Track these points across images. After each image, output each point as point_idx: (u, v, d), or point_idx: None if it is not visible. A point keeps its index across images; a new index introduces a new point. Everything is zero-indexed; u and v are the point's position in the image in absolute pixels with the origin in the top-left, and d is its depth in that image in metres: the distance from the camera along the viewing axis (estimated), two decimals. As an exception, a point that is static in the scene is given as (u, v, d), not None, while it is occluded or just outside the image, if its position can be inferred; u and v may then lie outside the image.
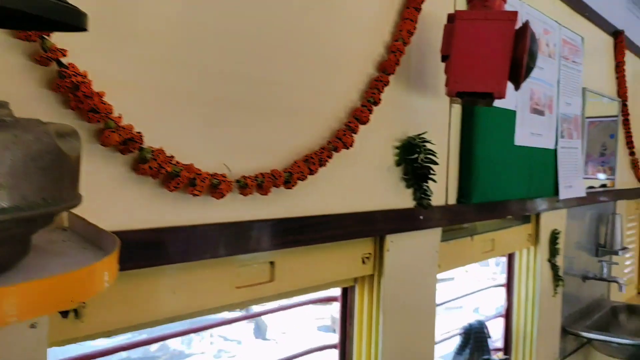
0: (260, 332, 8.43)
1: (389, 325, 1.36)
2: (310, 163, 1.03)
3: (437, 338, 2.06)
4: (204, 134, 0.91)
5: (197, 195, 0.85)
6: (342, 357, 1.41)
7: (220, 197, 0.89)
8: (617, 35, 2.77)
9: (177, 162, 0.83)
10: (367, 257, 1.32)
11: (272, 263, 1.08)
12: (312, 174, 1.04)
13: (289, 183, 0.99)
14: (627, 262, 3.51)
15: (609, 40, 2.73)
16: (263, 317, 8.55)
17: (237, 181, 0.92)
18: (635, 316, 2.77)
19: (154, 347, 7.82)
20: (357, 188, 1.21)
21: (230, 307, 1.02)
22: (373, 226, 1.26)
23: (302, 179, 1.02)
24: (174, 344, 7.96)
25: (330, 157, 1.07)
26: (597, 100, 2.51)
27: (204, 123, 0.90)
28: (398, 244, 1.37)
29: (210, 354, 7.97)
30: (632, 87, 2.94)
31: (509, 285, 2.19)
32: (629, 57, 2.91)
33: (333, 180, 1.13)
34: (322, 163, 1.05)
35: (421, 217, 1.41)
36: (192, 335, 8.11)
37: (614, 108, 2.85)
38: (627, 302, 3.06)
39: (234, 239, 0.95)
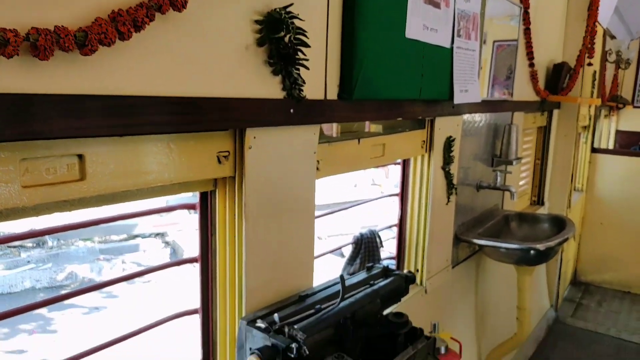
0: (176, 256, 8.26)
1: (254, 235, 1.20)
2: (120, 23, 0.78)
3: (328, 248, 1.98)
4: None
5: None
6: (205, 272, 1.25)
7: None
8: None
9: None
10: (225, 156, 1.13)
11: (80, 157, 0.85)
12: (124, 39, 0.80)
13: (84, 47, 0.74)
14: (523, 174, 3.63)
15: (515, -61, 2.59)
16: (179, 240, 8.37)
17: (-3, 36, 0.66)
18: (526, 223, 2.87)
19: (61, 275, 7.47)
20: (200, 66, 0.98)
21: (18, 214, 0.79)
22: (225, 116, 1.04)
23: (108, 44, 0.77)
24: (83, 271, 7.62)
25: (151, 18, 0.83)
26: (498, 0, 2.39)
27: None
28: (263, 142, 1.18)
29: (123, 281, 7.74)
30: (536, -6, 2.86)
31: (402, 194, 2.12)
32: (534, -40, 2.80)
33: (161, 52, 0.89)
34: (138, 25, 0.81)
35: (292, 111, 1.22)
36: (102, 261, 7.80)
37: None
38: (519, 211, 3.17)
39: (11, 116, 0.70)
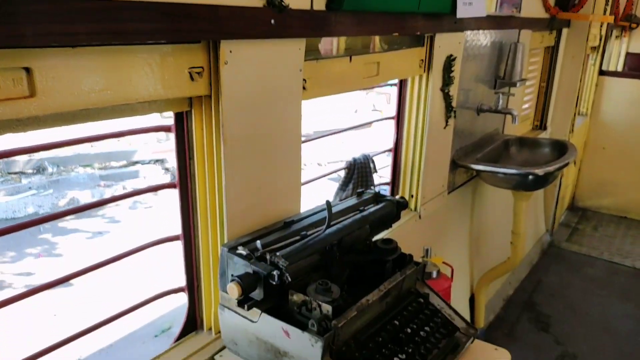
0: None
1: (234, 159, 1.13)
2: None
3: (320, 173, 1.92)
4: None
5: None
6: (184, 197, 1.19)
7: None
8: None
9: None
10: (199, 72, 1.02)
11: (27, 70, 0.75)
12: None
13: None
14: (527, 98, 3.50)
15: None
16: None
17: None
18: (525, 148, 2.79)
19: (62, 201, 7.55)
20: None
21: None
22: (194, 26, 0.93)
23: None
24: (84, 197, 7.69)
25: None
26: None
27: None
28: (241, 56, 1.07)
29: (125, 206, 7.82)
30: None
31: (398, 117, 2.02)
32: None
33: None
34: None
35: (273, 22, 1.10)
36: (102, 188, 7.85)
37: None
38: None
39: None
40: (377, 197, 1.47)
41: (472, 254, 2.91)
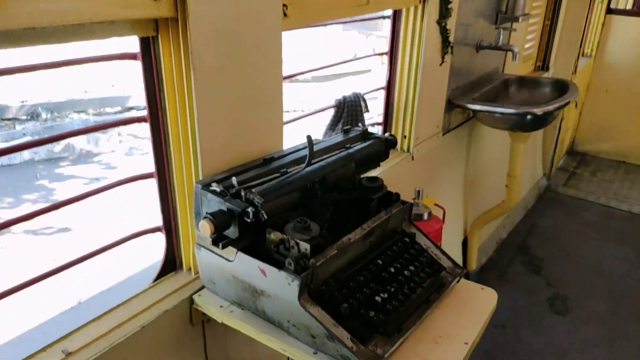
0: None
1: (206, 89, 1.05)
2: None
3: (309, 110, 1.84)
4: None
5: None
6: (156, 132, 1.12)
7: None
8: None
9: None
10: (162, -9, 0.93)
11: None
12: None
13: None
14: (529, 37, 3.35)
15: None
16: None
17: None
18: (525, 88, 2.69)
19: (58, 147, 7.48)
20: None
21: None
22: None
23: None
24: (79, 143, 7.61)
25: None
26: None
27: None
28: (210, -27, 0.97)
29: (121, 152, 7.75)
30: None
31: (391, 52, 1.92)
32: None
33: None
34: None
35: None
36: (98, 134, 7.74)
37: None
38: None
39: None
40: (365, 135, 1.40)
41: (466, 197, 2.87)
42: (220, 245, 1.00)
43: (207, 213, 0.97)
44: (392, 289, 1.07)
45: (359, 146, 1.32)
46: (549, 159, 4.36)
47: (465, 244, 3.06)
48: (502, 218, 3.50)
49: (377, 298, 1.03)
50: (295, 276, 0.93)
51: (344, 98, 1.83)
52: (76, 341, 1.03)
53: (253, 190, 1.00)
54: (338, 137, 1.37)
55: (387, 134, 1.41)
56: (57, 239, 4.42)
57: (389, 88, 1.99)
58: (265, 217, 0.98)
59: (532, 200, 4.21)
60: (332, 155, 1.25)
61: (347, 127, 1.42)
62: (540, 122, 2.23)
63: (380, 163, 1.40)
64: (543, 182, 4.44)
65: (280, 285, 0.97)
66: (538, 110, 2.10)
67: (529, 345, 2.70)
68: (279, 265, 0.97)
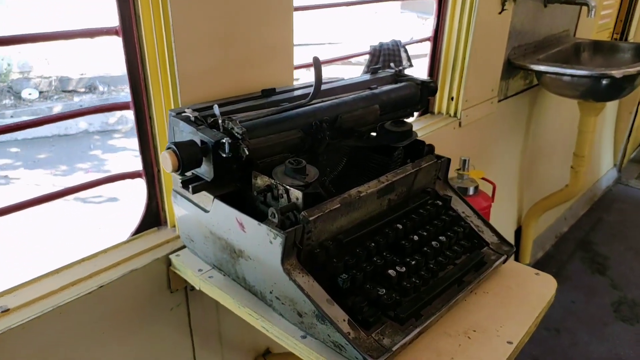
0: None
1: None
2: None
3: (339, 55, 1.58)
4: None
5: None
6: (130, 51, 0.91)
7: None
8: None
9: None
10: None
11: None
12: None
13: None
14: (607, 2, 2.92)
15: None
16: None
17: None
18: (600, 54, 2.30)
19: (112, 119, 7.61)
20: None
21: None
22: None
23: None
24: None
25: None
26: None
27: None
28: None
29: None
30: None
31: (440, -4, 1.62)
32: None
33: None
34: None
35: None
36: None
37: None
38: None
39: None
40: (398, 76, 1.14)
41: (522, 178, 2.52)
42: (190, 188, 0.78)
43: (170, 143, 0.74)
44: (413, 262, 0.81)
45: (386, 88, 1.06)
46: (620, 149, 3.88)
47: (518, 234, 2.71)
48: (563, 209, 3.11)
49: (391, 271, 0.78)
50: (278, 232, 0.70)
51: (381, 45, 1.56)
52: (20, 297, 0.85)
53: (234, 118, 0.77)
54: (364, 77, 1.11)
55: (426, 78, 1.14)
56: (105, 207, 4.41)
57: (436, 39, 1.69)
58: (247, 152, 0.74)
59: (599, 193, 3.77)
60: (352, 94, 1.00)
61: (376, 66, 1.16)
62: (617, 89, 1.87)
63: (415, 113, 1.13)
64: (613, 173, 3.97)
65: (260, 244, 0.73)
66: (617, 73, 1.74)
67: (586, 354, 2.35)
68: (261, 218, 0.74)
